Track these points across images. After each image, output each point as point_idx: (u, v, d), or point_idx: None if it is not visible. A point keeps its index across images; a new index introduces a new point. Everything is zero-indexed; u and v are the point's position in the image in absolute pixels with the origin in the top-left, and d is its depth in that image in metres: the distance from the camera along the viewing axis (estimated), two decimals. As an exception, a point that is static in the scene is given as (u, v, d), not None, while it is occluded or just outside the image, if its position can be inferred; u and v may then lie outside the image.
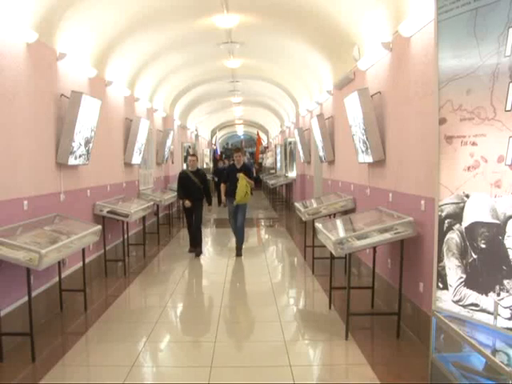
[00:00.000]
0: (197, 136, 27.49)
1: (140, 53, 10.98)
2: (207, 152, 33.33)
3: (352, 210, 9.28)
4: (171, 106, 17.73)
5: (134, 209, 10.07)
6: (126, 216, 9.45)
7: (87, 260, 7.74)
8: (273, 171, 28.21)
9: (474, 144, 3.96)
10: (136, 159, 12.15)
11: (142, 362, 5.51)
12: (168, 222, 15.35)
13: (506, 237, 3.67)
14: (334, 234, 6.42)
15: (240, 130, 43.46)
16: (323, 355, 5.96)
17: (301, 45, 11.20)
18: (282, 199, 23.96)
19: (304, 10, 8.93)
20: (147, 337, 6.16)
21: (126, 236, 10.31)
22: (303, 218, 9.77)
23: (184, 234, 14.52)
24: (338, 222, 7.45)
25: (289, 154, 20.73)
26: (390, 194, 7.22)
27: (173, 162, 18.67)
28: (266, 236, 15.46)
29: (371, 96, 7.80)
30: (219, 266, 10.71)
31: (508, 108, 3.61)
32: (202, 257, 11.49)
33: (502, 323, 3.76)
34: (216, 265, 11.13)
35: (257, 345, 6.05)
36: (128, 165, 11.87)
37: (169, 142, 16.54)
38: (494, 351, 3.84)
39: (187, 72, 14.91)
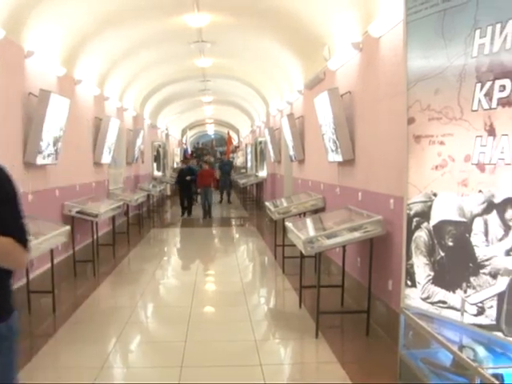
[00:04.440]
0: (167, 135, 27.37)
1: (110, 51, 10.89)
2: (178, 151, 33.21)
3: (322, 209, 9.33)
4: (141, 105, 17.64)
5: (104, 209, 10.00)
6: (96, 216, 9.37)
7: (56, 261, 7.65)
8: (243, 170, 28.21)
9: (441, 143, 4.02)
10: (106, 158, 12.06)
11: (112, 363, 5.48)
12: (138, 221, 15.26)
13: (472, 235, 3.73)
14: (303, 233, 6.44)
15: (211, 130, 43.38)
16: (294, 354, 5.99)
17: (272, 45, 11.22)
18: (252, 198, 23.97)
19: (275, 10, 8.95)
20: (117, 337, 6.12)
21: (95, 236, 10.22)
22: (273, 217, 9.81)
23: (154, 234, 14.62)
24: (308, 221, 7.49)
25: (259, 153, 20.74)
26: (360, 193, 7.28)
27: (143, 162, 18.57)
28: (237, 235, 15.46)
29: (341, 96, 7.84)
30: (190, 266, 10.70)
31: (474, 108, 3.67)
32: (173, 257, 11.49)
33: (468, 319, 3.81)
34: (187, 265, 11.10)
35: (227, 344, 6.05)
36: (97, 164, 11.78)
37: (139, 142, 16.46)
38: (461, 347, 3.89)
39: (158, 71, 14.83)
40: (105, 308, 7.73)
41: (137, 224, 15.03)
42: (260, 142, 20.45)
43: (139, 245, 12.84)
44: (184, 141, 38.99)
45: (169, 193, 24.83)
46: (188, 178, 18.09)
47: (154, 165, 21.00)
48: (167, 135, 27.40)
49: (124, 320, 6.74)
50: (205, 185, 17.84)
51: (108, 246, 11.13)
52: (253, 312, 7.21)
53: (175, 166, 29.61)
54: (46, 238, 6.59)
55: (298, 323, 6.68)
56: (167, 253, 12.55)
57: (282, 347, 6.15)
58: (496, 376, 3.26)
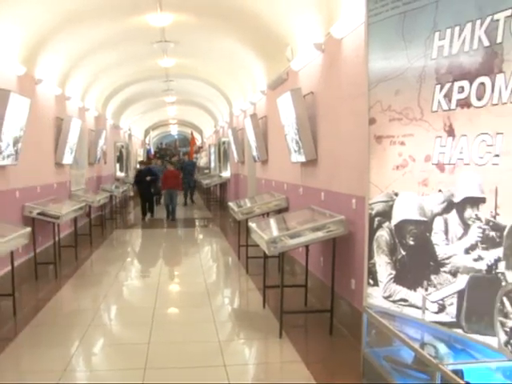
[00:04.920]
0: (130, 136, 27.16)
1: (71, 51, 10.75)
2: (141, 152, 32.99)
3: (285, 209, 9.36)
4: (104, 105, 17.47)
5: (66, 210, 9.87)
6: (57, 218, 9.25)
7: (16, 263, 7.53)
8: (207, 171, 28.15)
9: (402, 144, 4.07)
10: (67, 159, 11.92)
11: (75, 366, 5.40)
12: (101, 223, 15.10)
13: (433, 233, 3.80)
14: (267, 233, 6.45)
15: (174, 130, 43.17)
16: (258, 354, 5.99)
17: (235, 45, 11.22)
18: (216, 199, 23.93)
19: (238, 10, 8.95)
20: (80, 340, 6.04)
21: (57, 238, 10.09)
22: (237, 218, 9.79)
23: (117, 236, 14.51)
24: (272, 221, 7.51)
25: (223, 153, 20.72)
26: (323, 193, 7.32)
27: (105, 162, 18.40)
28: (201, 236, 15.43)
29: (304, 96, 7.88)
30: (153, 268, 10.63)
31: (434, 109, 3.73)
32: (136, 259, 11.42)
33: (429, 317, 3.88)
34: (150, 266, 11.01)
35: (191, 346, 6.02)
36: (59, 165, 11.63)
37: (101, 142, 16.31)
38: (423, 344, 3.96)
39: (120, 71, 14.70)
40: (67, 311, 7.63)
41: (99, 225, 14.88)
42: (223, 143, 20.43)
43: (102, 246, 12.70)
44: (147, 141, 38.74)
45: (132, 194, 24.62)
46: (148, 178, 17.59)
47: (117, 165, 20.82)
48: (130, 136, 27.20)
49: (87, 322, 6.66)
50: (169, 186, 17.34)
51: (70, 248, 10.99)
52: (216, 313, 7.20)
53: (138, 166, 29.40)
54: (6, 240, 6.48)
55: (262, 323, 6.68)
56: (130, 254, 12.45)
57: (246, 347, 6.15)
58: (456, 372, 3.32)
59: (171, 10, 9.36)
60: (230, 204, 10.87)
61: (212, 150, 25.93)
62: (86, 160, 15.21)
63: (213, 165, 25.64)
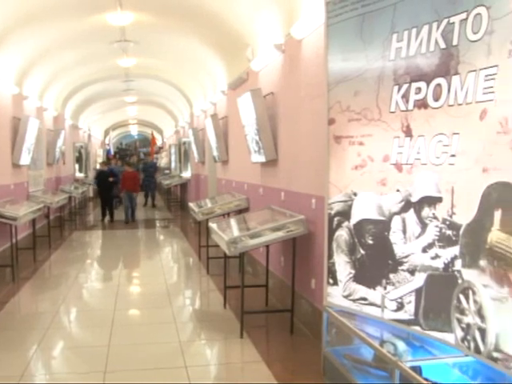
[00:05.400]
0: (90, 136, 26.86)
1: (29, 49, 10.59)
2: (100, 152, 32.64)
3: (246, 210, 9.37)
4: (62, 105, 17.22)
5: (23, 211, 9.71)
6: (14, 219, 9.10)
7: (-28, 265, 7.39)
8: (167, 171, 27.99)
9: (361, 144, 4.12)
10: (25, 160, 11.73)
11: (33, 370, 5.31)
12: (60, 224, 14.88)
13: (391, 233, 3.85)
14: (227, 233, 6.46)
15: (134, 130, 42.78)
16: (219, 355, 5.98)
17: (196, 45, 11.17)
18: (176, 199, 23.81)
19: (199, 10, 8.92)
20: (38, 344, 5.95)
21: (14, 240, 9.90)
22: (197, 218, 9.77)
23: (77, 237, 14.37)
24: (232, 222, 7.51)
25: (183, 154, 20.63)
26: (283, 193, 7.35)
27: (64, 163, 18.15)
28: (161, 237, 15.33)
29: (264, 96, 7.90)
30: (113, 269, 10.53)
31: (392, 110, 3.79)
32: (96, 260, 11.33)
33: (388, 315, 3.93)
34: (110, 268, 10.89)
35: (152, 347, 5.98)
36: (16, 166, 11.43)
37: (60, 142, 16.09)
38: (382, 342, 4.01)
39: (79, 70, 14.51)
40: (25, 314, 7.51)
41: (58, 227, 14.66)
42: (184, 143, 20.35)
43: (61, 248, 12.53)
44: (107, 141, 38.35)
45: (91, 195, 24.35)
46: (110, 179, 17.22)
47: (76, 166, 20.56)
48: (89, 136, 26.89)
49: (45, 326, 6.56)
50: (127, 188, 16.90)
51: (28, 250, 10.81)
52: (177, 314, 7.17)
53: (98, 167, 29.09)
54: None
55: (223, 324, 6.67)
56: (90, 256, 12.29)
57: (206, 348, 6.14)
58: (415, 369, 3.38)
59: (131, 9, 9.28)
60: (191, 204, 10.84)
61: (172, 150, 25.80)
62: (45, 161, 14.99)
63: (173, 165, 25.51)
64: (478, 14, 3.09)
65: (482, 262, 3.10)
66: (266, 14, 7.50)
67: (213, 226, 7.06)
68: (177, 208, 22.04)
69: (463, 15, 3.19)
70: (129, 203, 17.05)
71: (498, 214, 3.00)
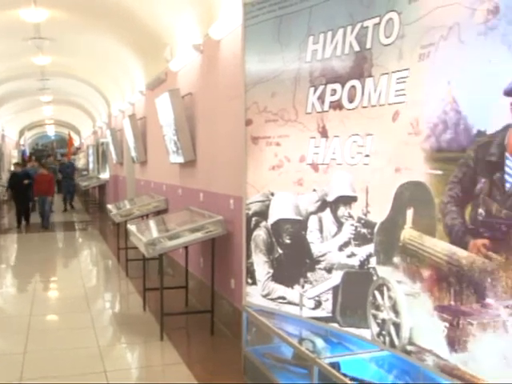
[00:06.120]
0: (3, 136, 25.99)
1: None
2: (15, 153, 31.67)
3: (165, 211, 9.31)
4: (-28, 104, 16.63)
5: None
6: None
7: None
8: (85, 173, 27.44)
9: (278, 144, 4.16)
10: None
11: None
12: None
13: (308, 232, 3.91)
14: (146, 235, 6.40)
15: (51, 131, 41.70)
16: (139, 358, 5.93)
17: (114, 44, 11.00)
18: (95, 201, 23.38)
19: (117, 9, 8.79)
20: None
21: None
22: (116, 220, 9.65)
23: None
24: (151, 223, 7.45)
25: (101, 154, 20.29)
26: (201, 194, 7.34)
27: (-25, 164, 17.51)
28: (80, 240, 15.00)
29: (182, 97, 7.86)
30: (29, 274, 10.21)
31: (308, 111, 3.84)
32: (11, 264, 11.00)
33: (307, 313, 3.98)
34: (26, 272, 10.56)
35: (70, 353, 5.83)
36: None
37: (-29, 143, 15.54)
38: (301, 340, 4.06)
39: (-10, 68, 14.06)
40: None
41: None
42: (102, 143, 20.01)
43: (-28, 252, 12.11)
44: (22, 142, 37.26)
45: (6, 197, 23.56)
46: (26, 181, 16.40)
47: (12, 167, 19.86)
48: (3, 136, 26.02)
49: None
50: (41, 192, 15.82)
51: None
52: (96, 318, 7.04)
53: (12, 168, 28.19)
54: None
55: (143, 327, 6.60)
56: (4, 261, 11.87)
57: (126, 352, 6.07)
58: (333, 365, 3.44)
59: (46, 5, 9.03)
60: (109, 206, 10.70)
61: (90, 150, 25.33)
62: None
63: (91, 166, 25.05)
64: (390, 19, 3.17)
65: (396, 259, 3.19)
66: (184, 14, 7.46)
67: (131, 227, 6.99)
68: (95, 210, 21.63)
69: (376, 20, 3.27)
70: (42, 208, 16.02)
71: (410, 213, 3.09)
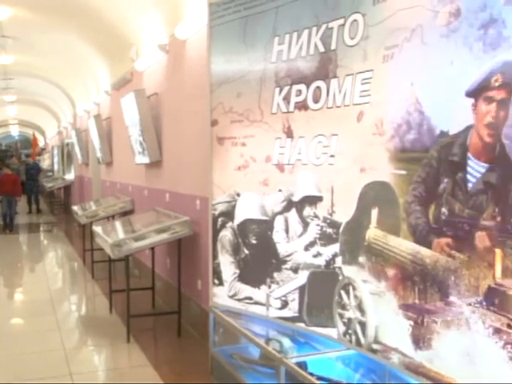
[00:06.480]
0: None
1: None
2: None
3: (131, 212, 9.24)
4: None
5: None
6: None
7: None
8: (50, 174, 27.11)
9: (243, 145, 4.16)
10: None
11: None
12: None
13: (274, 232, 3.92)
14: (112, 236, 6.36)
15: (15, 131, 41.16)
16: (105, 360, 5.87)
17: (79, 44, 10.87)
18: (60, 202, 23.10)
19: (82, 8, 8.68)
20: None
21: None
22: (81, 222, 9.56)
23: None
24: (117, 224, 7.40)
25: (66, 155, 20.09)
26: (168, 195, 7.30)
27: None
28: (45, 242, 14.82)
29: (148, 97, 7.82)
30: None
31: (274, 111, 3.85)
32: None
33: (273, 313, 3.99)
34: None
35: (35, 357, 5.73)
36: None
37: None
38: (268, 340, 4.07)
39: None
40: None
41: None
42: (67, 144, 19.81)
43: None
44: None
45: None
46: None
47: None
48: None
49: None
50: (6, 193, 15.44)
51: None
52: (62, 320, 6.95)
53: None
54: None
55: (109, 329, 6.54)
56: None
57: (92, 354, 6.00)
58: (300, 364, 3.45)
59: (9, 3, 8.89)
60: (75, 207, 10.60)
61: (55, 151, 25.04)
62: None
63: (56, 167, 24.77)
64: (355, 20, 3.19)
65: (361, 259, 3.22)
66: (150, 13, 7.42)
67: (96, 228, 6.93)
68: (60, 211, 21.35)
69: (341, 21, 3.30)
70: (7, 209, 15.64)
71: (374, 212, 3.12)
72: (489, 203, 2.44)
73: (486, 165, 2.46)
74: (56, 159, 24.84)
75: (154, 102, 7.75)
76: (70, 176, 19.40)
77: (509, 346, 2.35)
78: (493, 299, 2.43)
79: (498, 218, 2.38)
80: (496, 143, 2.38)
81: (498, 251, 2.39)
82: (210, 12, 4.42)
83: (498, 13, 2.37)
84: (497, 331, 2.41)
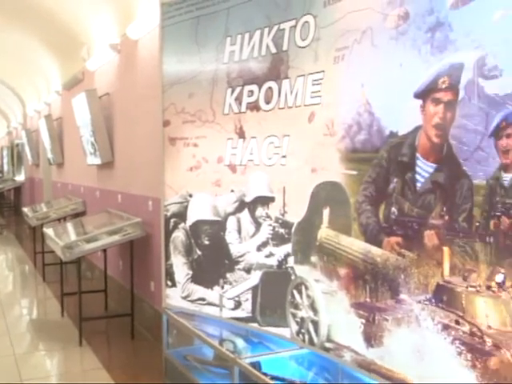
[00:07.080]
0: None
1: None
2: None
3: (83, 213, 9.15)
4: None
5: None
6: None
7: None
8: (0, 175, 26.58)
9: (195, 145, 4.15)
10: None
11: None
12: None
13: (227, 233, 3.92)
14: (63, 238, 6.28)
15: (-39, 131, 40.26)
16: (57, 365, 5.80)
17: (28, 42, 10.68)
18: (10, 204, 22.67)
19: (31, 6, 8.55)
20: None
21: None
22: (32, 224, 9.41)
23: None
24: (69, 226, 7.31)
25: (16, 156, 19.74)
26: (120, 196, 7.24)
27: None
28: (-7, 245, 14.56)
29: (100, 97, 7.74)
30: None
31: (226, 112, 3.85)
32: None
33: (227, 314, 3.99)
34: None
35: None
36: None
37: None
38: (222, 341, 4.06)
39: None
40: None
41: None
42: (17, 145, 19.46)
43: None
44: None
45: None
46: None
47: None
48: None
49: None
50: None
51: None
52: (12, 325, 6.83)
53: None
54: None
55: (61, 332, 6.46)
56: None
57: (44, 359, 5.92)
58: (254, 364, 3.45)
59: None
60: (25, 209, 10.43)
61: (5, 152, 24.54)
62: None
63: (6, 168, 24.31)
64: (306, 21, 3.21)
65: (313, 258, 3.24)
66: (102, 12, 7.34)
67: (47, 231, 6.84)
68: (11, 213, 20.97)
69: (292, 22, 3.31)
70: None
71: (326, 212, 3.14)
72: (437, 202, 2.48)
73: (434, 165, 2.50)
74: (6, 160, 24.36)
75: (106, 102, 7.68)
76: (21, 177, 19.06)
77: (457, 342, 2.39)
78: (441, 296, 2.47)
79: (446, 217, 2.43)
80: (443, 144, 2.42)
81: (445, 249, 2.43)
82: (162, 12, 4.39)
83: (444, 16, 2.41)
84: (445, 327, 2.45)
